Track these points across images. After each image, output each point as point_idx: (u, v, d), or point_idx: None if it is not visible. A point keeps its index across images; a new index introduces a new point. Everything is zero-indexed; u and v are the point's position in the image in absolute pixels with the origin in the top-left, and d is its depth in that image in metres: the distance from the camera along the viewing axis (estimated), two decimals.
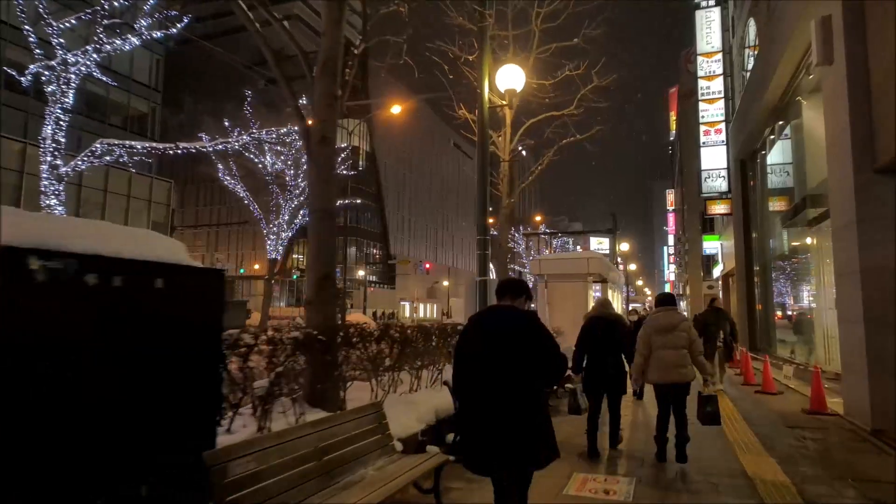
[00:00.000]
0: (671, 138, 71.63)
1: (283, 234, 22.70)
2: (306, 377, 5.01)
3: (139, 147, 15.40)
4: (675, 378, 5.16)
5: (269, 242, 22.66)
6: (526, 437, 2.71)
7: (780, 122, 13.43)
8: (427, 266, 60.50)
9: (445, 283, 69.51)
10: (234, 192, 23.83)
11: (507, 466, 2.78)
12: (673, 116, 67.55)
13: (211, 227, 65.50)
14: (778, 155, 14.60)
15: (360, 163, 68.88)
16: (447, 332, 7.30)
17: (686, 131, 48.10)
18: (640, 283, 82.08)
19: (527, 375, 2.76)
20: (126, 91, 40.50)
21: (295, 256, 68.69)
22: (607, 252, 43.35)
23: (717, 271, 26.12)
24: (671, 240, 73.15)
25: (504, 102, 9.09)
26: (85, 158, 15.01)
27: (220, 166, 22.56)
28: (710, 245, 26.34)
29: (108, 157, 16.34)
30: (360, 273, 62.20)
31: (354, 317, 32.06)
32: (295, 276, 56.35)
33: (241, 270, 52.07)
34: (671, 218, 71.16)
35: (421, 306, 71.48)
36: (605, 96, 11.83)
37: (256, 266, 64.61)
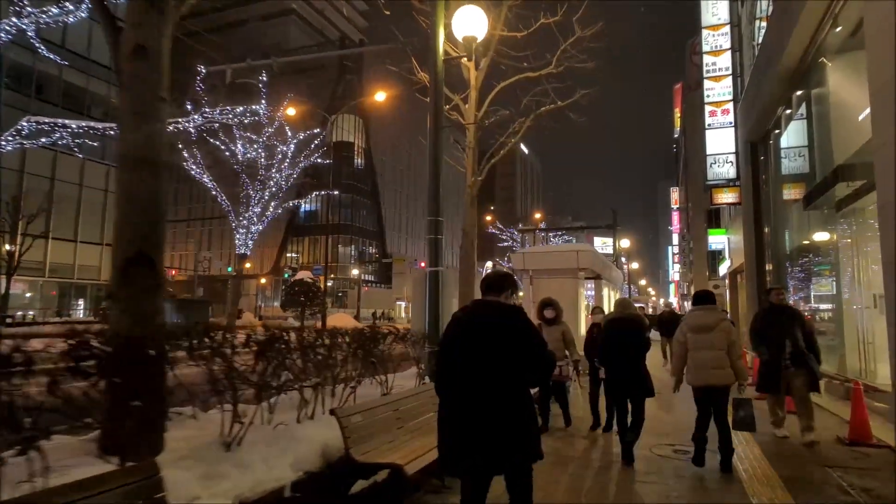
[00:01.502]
0: (676, 135, 69.98)
1: (254, 228, 20.96)
2: (103, 411, 3.29)
3: (74, 127, 13.69)
4: (711, 380, 4.93)
5: (237, 236, 20.95)
6: (510, 437, 2.59)
7: (799, 93, 11.61)
8: (422, 265, 58.75)
9: None
10: (204, 183, 22.14)
11: (487, 466, 2.64)
12: (678, 113, 65.81)
13: (204, 221, 63.98)
14: (795, 135, 12.79)
15: (356, 159, 67.32)
16: (367, 338, 5.54)
17: (691, 125, 46.23)
18: (643, 282, 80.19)
19: (512, 373, 2.64)
20: (106, 82, 38.86)
21: (289, 255, 67.26)
22: (611, 252, 41.54)
23: (723, 268, 24.21)
24: (676, 239, 71.52)
25: (462, 54, 7.33)
26: (10, 138, 13.34)
27: (185, 154, 20.89)
28: (716, 240, 24.39)
29: (43, 139, 14.69)
30: (355, 272, 60.57)
31: (337, 318, 30.32)
32: (287, 275, 54.64)
33: (230, 269, 50.42)
34: (675, 216, 69.51)
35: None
36: (593, 55, 10.01)
37: (248, 265, 63.12)
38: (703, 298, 5.33)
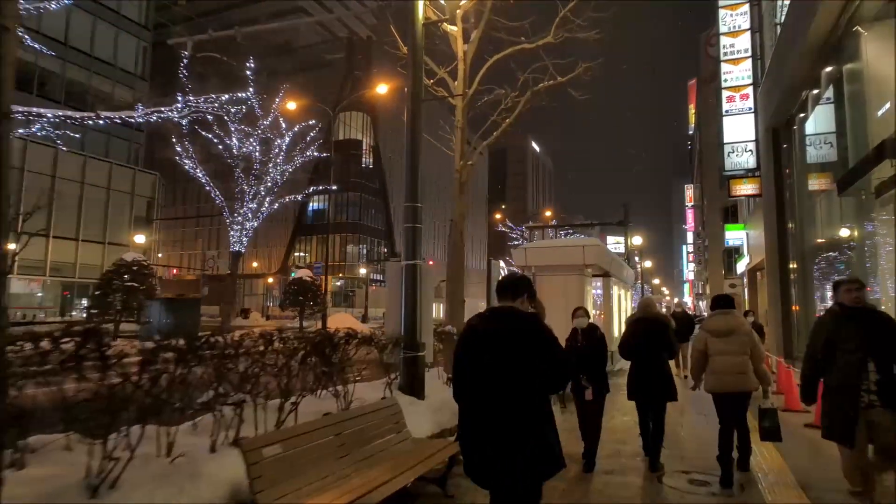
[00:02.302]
0: (690, 132, 68.64)
1: (248, 225, 20.19)
2: None
3: (50, 116, 12.96)
4: (733, 386, 4.76)
5: (232, 234, 20.20)
6: (529, 449, 2.53)
7: (829, 69, 10.51)
8: (430, 263, 57.83)
9: None
10: (199, 178, 21.43)
11: (509, 478, 2.55)
12: (692, 109, 64.36)
13: (213, 220, 63.66)
14: (823, 120, 11.69)
15: (364, 158, 66.58)
16: (320, 342, 4.62)
17: (706, 120, 44.92)
18: (657, 281, 78.71)
19: (529, 383, 2.58)
20: (110, 79, 38.52)
21: (297, 255, 66.72)
22: (622, 251, 40.37)
23: (741, 266, 22.96)
24: (690, 237, 70.16)
25: (445, 17, 6.39)
26: None
27: (178, 148, 20.18)
28: (734, 235, 23.10)
29: (20, 130, 14.02)
30: (363, 271, 59.90)
31: (339, 318, 29.46)
32: (293, 274, 54.05)
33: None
34: (690, 214, 68.24)
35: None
36: (595, 26, 8.99)
37: (255, 264, 62.79)
38: (723, 302, 5.18)
